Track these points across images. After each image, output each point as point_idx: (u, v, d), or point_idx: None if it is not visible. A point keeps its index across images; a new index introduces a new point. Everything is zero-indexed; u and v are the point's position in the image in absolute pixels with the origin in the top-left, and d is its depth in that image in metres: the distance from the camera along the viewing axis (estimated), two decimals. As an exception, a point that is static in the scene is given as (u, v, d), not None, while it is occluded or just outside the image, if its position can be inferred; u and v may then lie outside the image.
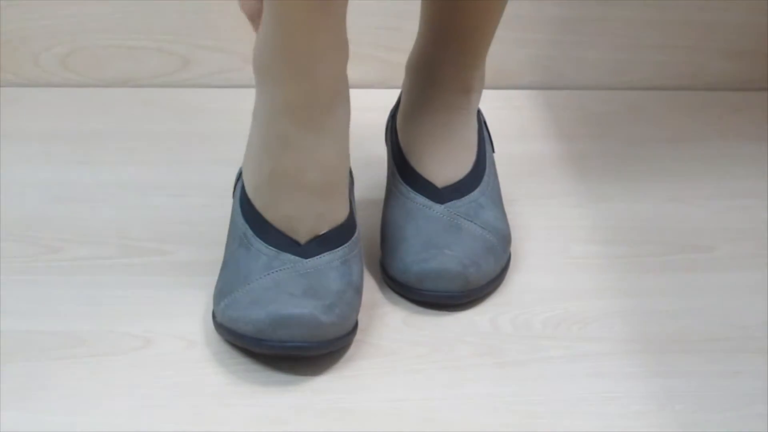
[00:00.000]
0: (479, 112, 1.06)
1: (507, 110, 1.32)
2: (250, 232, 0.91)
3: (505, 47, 1.37)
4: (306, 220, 0.90)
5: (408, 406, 0.85)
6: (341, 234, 0.91)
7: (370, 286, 0.98)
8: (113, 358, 0.89)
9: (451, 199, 0.98)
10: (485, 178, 1.01)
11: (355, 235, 0.93)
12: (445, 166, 1.01)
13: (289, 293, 0.86)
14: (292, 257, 0.89)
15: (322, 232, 0.91)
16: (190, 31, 1.38)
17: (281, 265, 0.88)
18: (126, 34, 1.38)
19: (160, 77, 1.39)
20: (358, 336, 0.91)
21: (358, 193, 1.08)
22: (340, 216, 0.92)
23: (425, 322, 0.94)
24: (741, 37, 1.42)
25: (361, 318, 0.93)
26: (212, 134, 1.26)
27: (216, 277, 0.94)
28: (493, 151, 1.06)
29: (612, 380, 0.88)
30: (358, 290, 0.91)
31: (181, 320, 0.92)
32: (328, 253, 0.90)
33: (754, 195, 1.16)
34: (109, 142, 1.24)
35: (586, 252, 1.05)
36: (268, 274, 0.88)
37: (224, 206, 1.00)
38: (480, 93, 1.04)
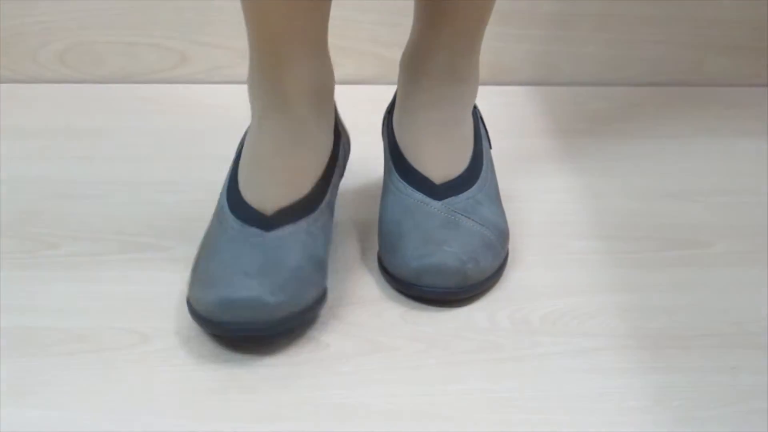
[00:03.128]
0: (475, 108, 1.06)
1: (505, 106, 1.32)
2: (225, 207, 0.94)
3: (503, 43, 1.37)
4: (271, 193, 0.93)
5: (406, 401, 0.85)
6: (305, 206, 0.94)
7: (368, 282, 0.98)
8: (111, 354, 0.89)
9: (448, 196, 0.98)
10: (483, 174, 1.01)
11: (321, 205, 0.95)
12: (441, 162, 1.01)
13: (243, 272, 0.87)
14: (256, 230, 0.91)
15: (286, 205, 0.93)
16: (188, 27, 1.38)
17: (245, 238, 0.90)
18: (124, 31, 1.38)
19: (157, 73, 1.39)
20: (356, 332, 0.91)
21: (355, 188, 1.08)
22: (304, 188, 0.94)
23: (423, 318, 0.94)
24: (739, 32, 1.42)
25: (359, 314, 0.93)
26: (210, 130, 1.26)
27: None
28: (490, 147, 1.06)
29: (609, 376, 0.88)
30: (321, 263, 0.92)
31: (179, 316, 0.93)
32: (290, 225, 0.92)
33: (753, 191, 1.16)
34: (107, 138, 1.24)
35: (584, 248, 1.05)
36: (231, 248, 0.90)
37: (222, 202, 1.00)
38: (475, 87, 1.04)
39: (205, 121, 1.29)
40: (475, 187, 1.00)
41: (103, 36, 1.37)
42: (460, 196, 0.99)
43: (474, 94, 1.04)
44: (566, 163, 1.20)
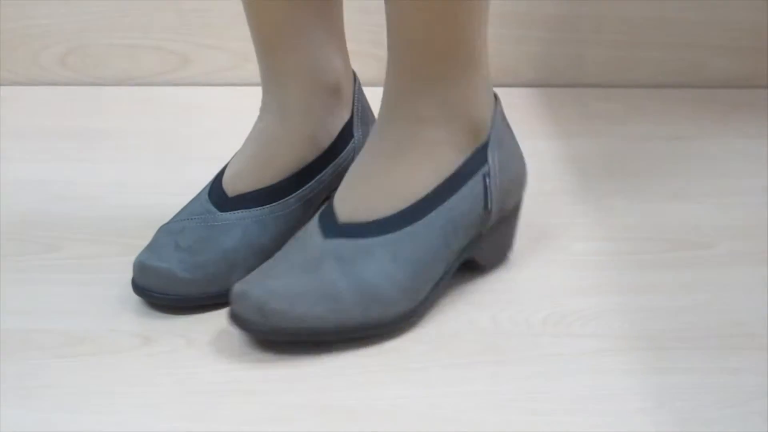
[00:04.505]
0: (485, 163, 0.95)
1: (506, 108, 1.32)
2: (207, 188, 0.99)
3: (505, 45, 1.37)
4: (239, 178, 0.98)
5: (409, 403, 0.85)
6: (268, 195, 0.96)
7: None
8: (113, 357, 0.89)
9: (339, 236, 0.90)
10: (414, 229, 0.91)
11: (290, 198, 0.97)
12: (358, 199, 0.92)
13: (175, 243, 0.94)
14: (211, 209, 0.96)
15: (245, 191, 0.97)
16: (190, 29, 1.38)
17: (199, 214, 0.96)
18: (125, 33, 1.38)
19: (159, 75, 1.39)
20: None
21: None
22: (270, 179, 0.97)
23: (426, 320, 0.94)
24: (741, 34, 1.42)
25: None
26: (211, 132, 1.26)
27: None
28: (487, 208, 0.95)
29: (612, 377, 0.88)
30: (263, 252, 0.94)
31: (181, 318, 0.92)
32: (243, 210, 0.96)
33: (754, 192, 1.16)
34: (108, 141, 1.24)
35: (587, 249, 1.05)
36: (182, 221, 0.96)
37: (224, 204, 1.00)
38: (449, 128, 0.93)
39: (206, 124, 1.29)
40: (380, 238, 0.90)
41: (104, 38, 1.37)
42: (350, 240, 0.90)
43: (452, 136, 0.93)
44: (568, 165, 1.20)
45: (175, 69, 1.39)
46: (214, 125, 1.28)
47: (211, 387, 0.86)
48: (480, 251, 0.97)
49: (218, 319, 0.92)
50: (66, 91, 1.36)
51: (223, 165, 1.04)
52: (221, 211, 0.96)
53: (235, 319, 0.88)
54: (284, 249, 0.92)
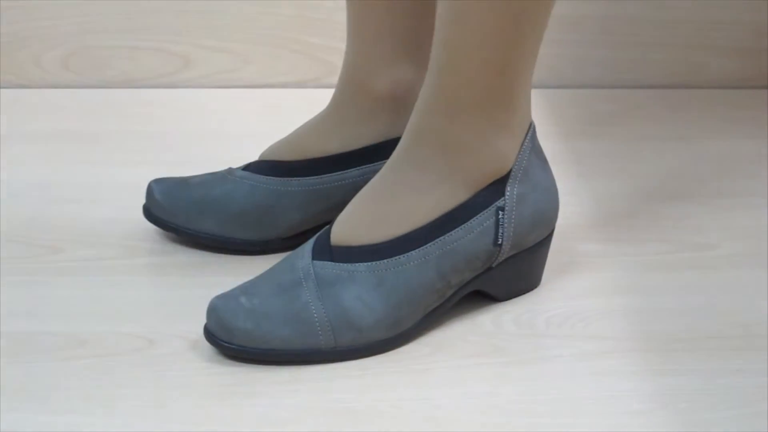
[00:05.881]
0: (503, 194, 0.92)
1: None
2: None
3: (507, 46, 1.37)
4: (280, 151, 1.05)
5: (411, 405, 0.85)
6: (298, 168, 1.03)
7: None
8: (116, 359, 0.88)
9: (323, 258, 0.89)
10: (396, 260, 0.89)
11: (317, 177, 1.02)
12: (354, 224, 0.91)
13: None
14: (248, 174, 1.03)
15: (277, 159, 1.04)
16: (191, 31, 1.38)
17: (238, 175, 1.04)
18: (127, 35, 1.38)
19: (161, 77, 1.39)
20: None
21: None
22: (308, 154, 1.03)
23: (429, 321, 0.94)
24: (743, 35, 1.42)
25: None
26: (213, 134, 1.26)
27: (217, 278, 0.96)
28: (497, 243, 0.92)
29: (615, 379, 0.88)
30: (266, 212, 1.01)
31: (183, 320, 0.92)
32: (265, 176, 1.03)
33: (757, 193, 1.16)
34: (110, 143, 1.24)
35: (589, 251, 1.05)
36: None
37: (227, 206, 1.00)
38: (469, 158, 0.90)
39: (208, 125, 1.29)
40: (370, 264, 0.89)
41: (106, 40, 1.37)
42: (336, 264, 0.89)
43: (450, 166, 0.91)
44: (570, 166, 1.20)
45: (176, 71, 1.39)
46: (215, 127, 1.28)
47: (214, 389, 0.86)
48: (491, 285, 0.95)
49: (221, 321, 0.92)
50: (67, 93, 1.36)
51: (224, 166, 1.04)
52: (255, 173, 1.02)
53: (206, 334, 0.88)
54: (273, 266, 0.91)
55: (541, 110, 1.34)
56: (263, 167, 1.02)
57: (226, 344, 0.87)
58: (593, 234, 1.08)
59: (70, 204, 1.10)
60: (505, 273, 0.94)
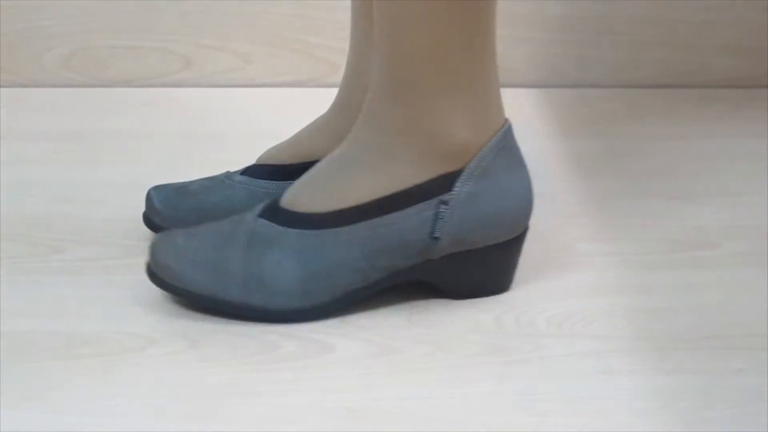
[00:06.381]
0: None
1: (510, 108, 1.31)
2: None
3: (508, 45, 1.37)
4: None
5: (412, 404, 0.85)
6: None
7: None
8: (117, 358, 0.89)
9: (266, 218, 0.92)
10: (325, 232, 0.91)
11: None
12: (300, 191, 0.93)
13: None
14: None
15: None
16: (192, 31, 1.38)
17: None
18: (128, 35, 1.38)
19: (161, 77, 1.39)
20: (363, 335, 0.91)
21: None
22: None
23: (430, 320, 0.94)
24: (742, 34, 1.42)
25: (366, 317, 0.93)
26: (214, 134, 1.26)
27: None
28: (433, 236, 0.91)
29: (616, 378, 0.88)
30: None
31: (184, 320, 0.92)
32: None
33: (758, 192, 1.16)
34: (111, 142, 1.24)
35: (590, 249, 1.05)
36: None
37: (227, 206, 1.00)
38: (418, 145, 0.90)
39: (209, 125, 1.29)
40: (300, 231, 0.91)
41: (107, 40, 1.38)
42: (271, 225, 0.91)
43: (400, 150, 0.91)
44: (571, 165, 1.20)
45: (177, 70, 1.39)
46: (216, 126, 1.28)
47: (215, 388, 0.86)
48: (436, 278, 0.94)
49: (222, 320, 0.92)
50: (69, 92, 1.36)
51: (225, 166, 1.05)
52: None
53: (148, 265, 0.94)
54: (232, 217, 0.94)
55: (541, 110, 1.34)
56: (262, 171, 1.02)
57: (152, 273, 0.93)
58: (593, 234, 1.08)
59: (70, 204, 1.10)
60: (454, 269, 0.94)
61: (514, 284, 0.98)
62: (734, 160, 1.23)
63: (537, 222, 1.07)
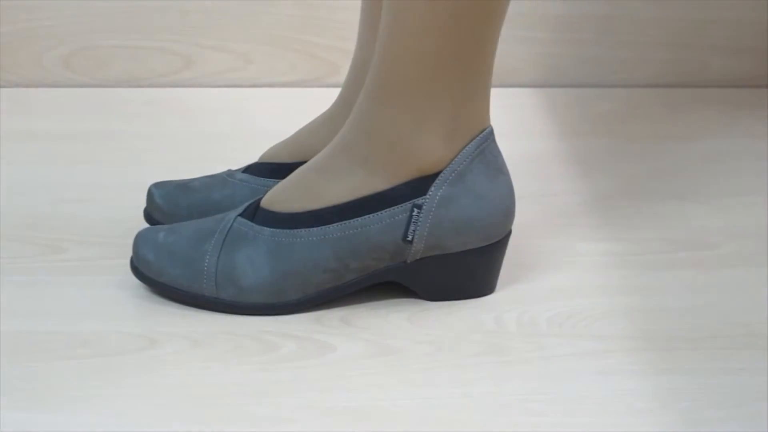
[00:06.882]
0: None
1: (510, 108, 1.32)
2: None
3: (508, 45, 1.37)
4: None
5: (413, 404, 0.85)
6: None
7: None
8: (118, 359, 0.88)
9: (246, 217, 0.93)
10: (297, 232, 0.92)
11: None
12: (281, 191, 0.94)
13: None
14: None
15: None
16: (193, 31, 1.38)
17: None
18: (128, 34, 1.38)
19: (162, 77, 1.39)
20: (363, 335, 0.91)
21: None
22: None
23: (430, 320, 0.94)
24: (742, 34, 1.42)
25: (366, 317, 0.93)
26: (215, 134, 1.26)
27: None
28: (406, 239, 0.92)
29: (617, 378, 0.88)
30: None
31: (185, 320, 0.92)
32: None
33: (758, 192, 1.16)
34: (112, 142, 1.24)
35: (591, 250, 1.05)
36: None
37: (228, 206, 1.00)
38: (392, 149, 0.91)
39: (209, 125, 1.29)
40: (275, 230, 0.92)
41: (107, 40, 1.37)
42: (249, 224, 0.93)
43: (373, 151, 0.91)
44: (571, 165, 1.20)
45: (178, 70, 1.39)
46: (216, 126, 1.28)
47: (216, 389, 0.86)
48: (410, 280, 0.94)
49: (223, 320, 0.92)
50: (69, 92, 1.36)
51: (226, 166, 1.04)
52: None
53: (131, 259, 0.96)
54: (217, 215, 0.96)
55: (541, 110, 1.34)
56: (264, 169, 1.02)
57: (134, 267, 0.95)
58: (593, 234, 1.08)
59: (70, 204, 1.10)
60: (428, 272, 0.94)
61: (514, 284, 0.98)
62: (734, 160, 1.23)
63: (537, 222, 1.07)
